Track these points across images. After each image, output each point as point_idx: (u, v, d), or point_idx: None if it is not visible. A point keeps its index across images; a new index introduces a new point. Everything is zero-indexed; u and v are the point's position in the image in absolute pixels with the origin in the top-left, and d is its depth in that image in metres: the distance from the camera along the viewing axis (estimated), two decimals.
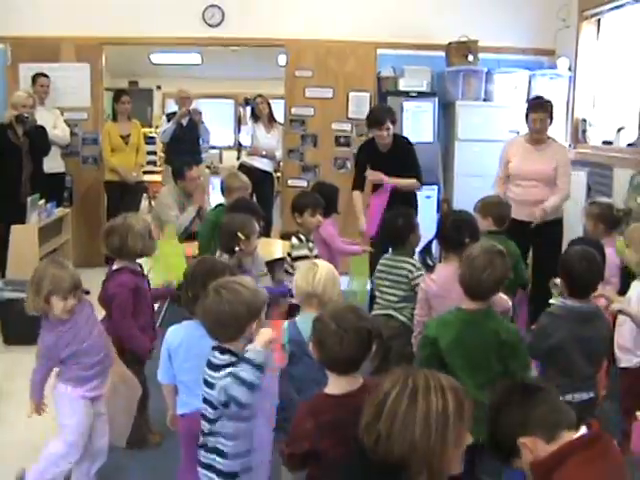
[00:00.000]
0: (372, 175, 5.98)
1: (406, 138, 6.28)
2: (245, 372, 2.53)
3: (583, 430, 2.11)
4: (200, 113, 8.52)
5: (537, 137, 5.77)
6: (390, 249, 4.67)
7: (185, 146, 8.32)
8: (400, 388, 1.95)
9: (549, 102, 5.79)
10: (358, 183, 6.23)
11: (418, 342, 3.21)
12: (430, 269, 4.17)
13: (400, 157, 6.03)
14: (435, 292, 3.87)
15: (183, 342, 3.16)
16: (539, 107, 5.74)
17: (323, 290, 3.23)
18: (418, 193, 6.27)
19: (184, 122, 8.40)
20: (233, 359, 2.65)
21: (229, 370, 2.59)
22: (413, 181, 6.03)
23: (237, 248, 4.22)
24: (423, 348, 3.20)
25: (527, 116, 5.75)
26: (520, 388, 2.22)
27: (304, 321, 3.13)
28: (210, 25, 8.19)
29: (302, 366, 3.05)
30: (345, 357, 2.47)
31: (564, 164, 5.77)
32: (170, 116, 8.48)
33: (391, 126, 5.92)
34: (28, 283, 3.37)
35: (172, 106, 14.37)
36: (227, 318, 2.65)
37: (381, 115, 5.98)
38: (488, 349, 3.10)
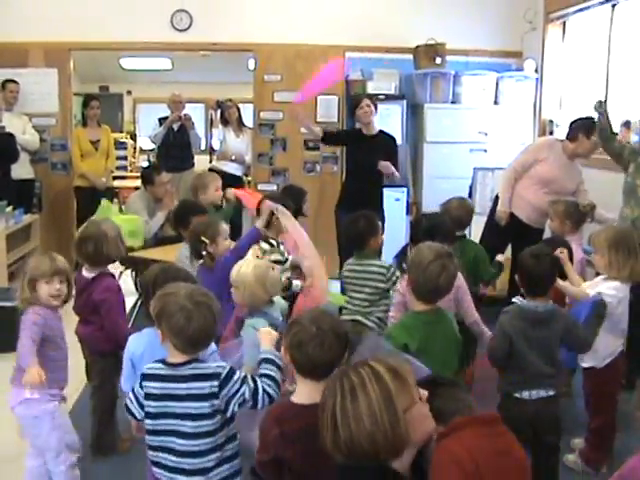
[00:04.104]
0: (383, 166, 6.16)
1: (392, 136, 6.51)
2: (274, 372, 2.71)
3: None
4: (191, 119, 8.50)
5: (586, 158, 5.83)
6: (353, 252, 4.64)
7: (175, 151, 8.35)
8: (340, 395, 2.01)
9: None
10: (331, 136, 6.77)
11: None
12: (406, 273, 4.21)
13: (383, 146, 6.31)
14: None
15: (146, 350, 3.13)
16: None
17: (242, 284, 3.45)
18: (387, 195, 6.38)
19: (175, 127, 8.39)
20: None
21: (264, 372, 2.70)
22: (397, 174, 6.37)
23: (204, 252, 4.22)
24: None
25: (587, 135, 5.64)
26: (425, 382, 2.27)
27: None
28: (178, 30, 8.18)
29: None
30: (326, 361, 2.46)
31: (582, 182, 5.84)
32: (162, 120, 8.45)
33: (371, 105, 6.29)
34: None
35: (144, 111, 14.45)
36: (212, 328, 2.65)
37: (359, 97, 6.56)
38: (450, 345, 3.16)
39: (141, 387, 2.65)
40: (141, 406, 2.67)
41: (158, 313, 2.62)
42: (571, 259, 4.29)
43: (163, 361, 2.65)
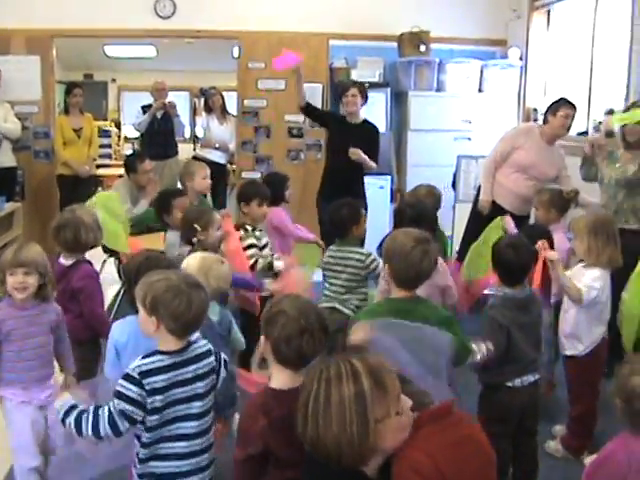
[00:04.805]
0: (354, 153, 6.07)
1: (376, 126, 6.43)
2: None
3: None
4: (175, 106, 8.48)
5: (561, 136, 5.77)
6: (336, 240, 4.63)
7: (159, 139, 8.34)
8: (316, 385, 1.94)
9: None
10: (313, 109, 6.63)
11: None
12: None
13: (365, 136, 6.24)
14: None
15: (130, 339, 3.10)
16: (571, 104, 5.61)
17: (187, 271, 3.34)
18: (371, 183, 6.37)
19: (159, 115, 8.37)
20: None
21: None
22: (373, 164, 6.23)
23: (195, 239, 4.21)
24: None
25: (553, 112, 5.59)
26: None
27: None
28: (162, 17, 8.13)
29: None
30: (315, 353, 2.40)
31: (565, 168, 5.78)
32: (145, 108, 8.41)
33: (357, 94, 6.19)
34: None
35: (129, 99, 14.36)
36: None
37: (347, 84, 6.42)
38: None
39: (141, 387, 2.47)
40: (142, 408, 2.49)
41: (152, 301, 2.51)
42: (551, 247, 4.29)
43: (159, 352, 2.55)
